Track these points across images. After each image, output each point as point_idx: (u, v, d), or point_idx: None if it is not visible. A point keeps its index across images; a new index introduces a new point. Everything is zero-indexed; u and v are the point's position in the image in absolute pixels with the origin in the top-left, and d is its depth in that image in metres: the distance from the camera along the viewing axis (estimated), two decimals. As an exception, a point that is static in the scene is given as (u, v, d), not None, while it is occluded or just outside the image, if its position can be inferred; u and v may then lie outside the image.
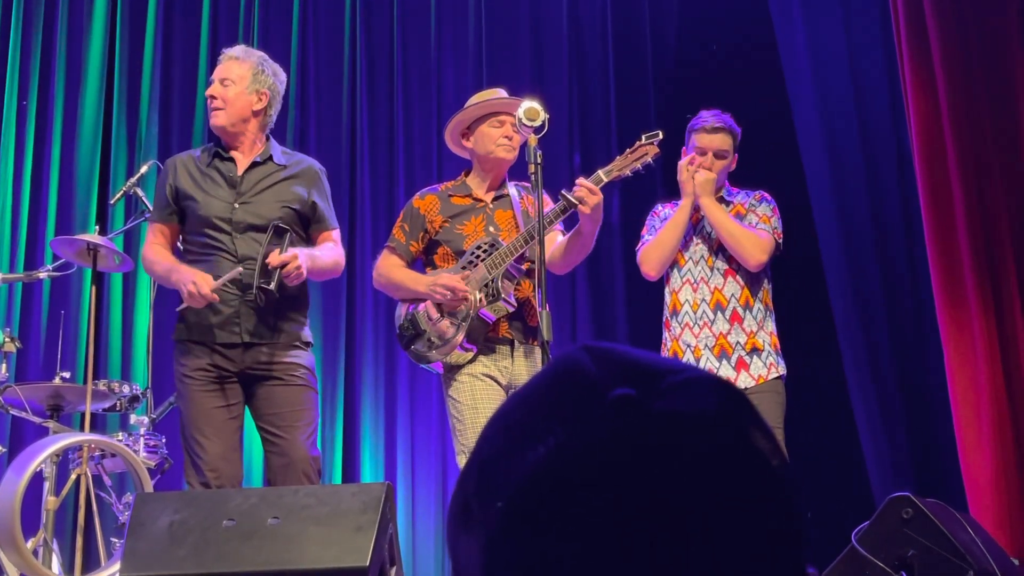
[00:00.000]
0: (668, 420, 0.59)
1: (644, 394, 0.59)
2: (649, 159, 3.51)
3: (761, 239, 3.75)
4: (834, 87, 5.39)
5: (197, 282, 3.33)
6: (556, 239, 3.65)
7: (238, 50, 3.66)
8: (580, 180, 3.45)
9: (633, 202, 5.44)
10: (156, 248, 3.58)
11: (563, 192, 3.47)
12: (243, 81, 3.57)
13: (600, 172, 3.50)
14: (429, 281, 3.60)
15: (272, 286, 3.35)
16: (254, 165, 3.59)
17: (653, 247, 3.84)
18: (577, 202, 3.40)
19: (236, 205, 3.51)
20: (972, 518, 3.66)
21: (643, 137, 3.53)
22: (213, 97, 3.57)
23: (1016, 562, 3.62)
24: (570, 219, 3.55)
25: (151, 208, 4.41)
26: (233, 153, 3.60)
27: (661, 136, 3.53)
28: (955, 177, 4.66)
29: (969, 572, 3.15)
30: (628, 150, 3.53)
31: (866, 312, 5.15)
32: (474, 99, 3.78)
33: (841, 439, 5.13)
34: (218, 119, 3.57)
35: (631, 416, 0.58)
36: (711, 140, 3.82)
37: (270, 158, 3.61)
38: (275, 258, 3.36)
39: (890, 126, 5.24)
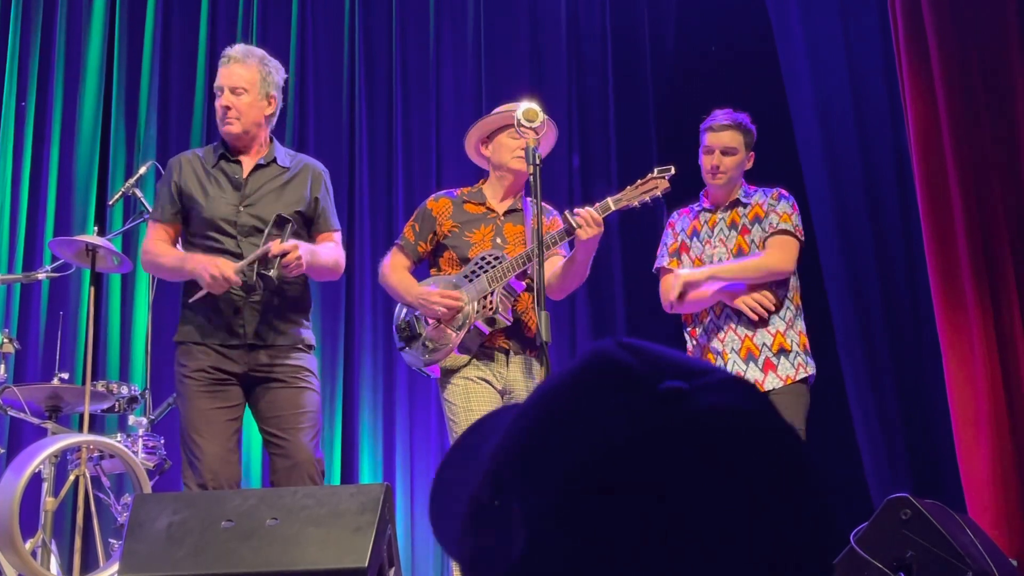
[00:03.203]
0: (718, 414, 0.60)
1: (693, 388, 0.61)
2: (658, 193, 3.49)
3: (785, 245, 3.72)
4: (833, 92, 5.39)
5: (219, 264, 3.30)
6: (557, 263, 3.64)
7: (239, 51, 3.60)
8: (587, 210, 3.43)
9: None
10: (159, 244, 3.55)
11: (566, 212, 3.47)
12: (254, 88, 3.54)
13: (609, 200, 3.49)
14: (419, 292, 3.62)
15: (272, 273, 3.34)
16: (258, 167, 3.57)
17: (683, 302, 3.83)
18: (575, 226, 3.40)
19: (241, 208, 3.50)
20: (970, 519, 3.66)
21: (655, 170, 3.52)
22: (227, 108, 3.53)
23: (1014, 563, 3.62)
24: (573, 242, 3.55)
25: (150, 209, 4.41)
26: (239, 153, 3.59)
27: (673, 171, 3.51)
28: (954, 181, 4.67)
29: (967, 573, 3.15)
30: (639, 181, 3.51)
31: (865, 314, 5.16)
32: (499, 109, 3.80)
33: (839, 440, 5.13)
34: (234, 128, 3.53)
35: (682, 409, 0.60)
36: (718, 138, 3.80)
37: (274, 160, 3.59)
38: (276, 247, 3.34)
39: (889, 130, 5.25)
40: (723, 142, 3.80)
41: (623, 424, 0.59)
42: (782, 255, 3.71)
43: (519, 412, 0.67)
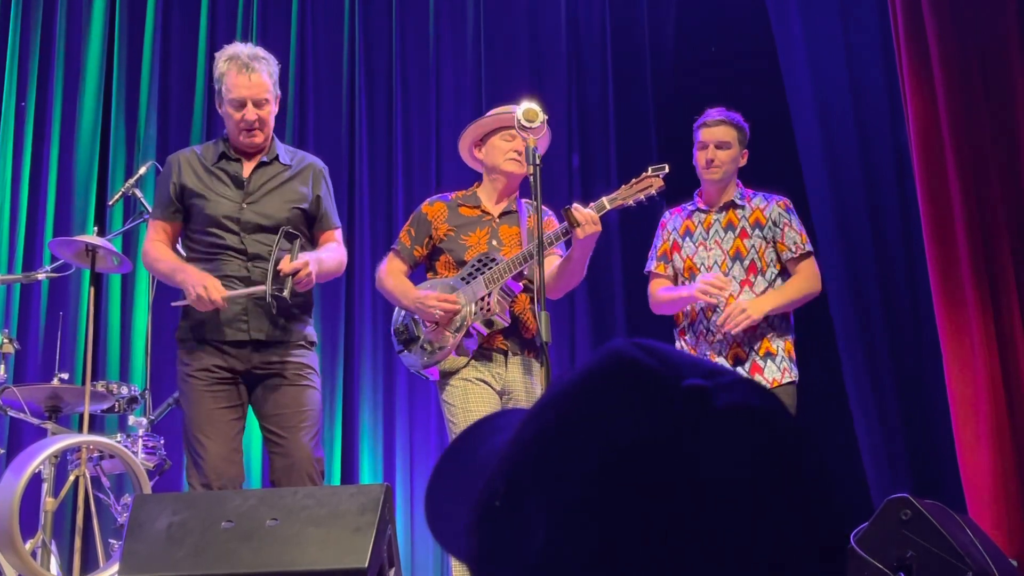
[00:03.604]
0: (739, 412, 0.61)
1: (714, 386, 0.61)
2: (653, 191, 3.51)
3: (814, 266, 3.84)
4: (833, 92, 5.39)
5: (208, 287, 3.31)
6: (554, 262, 3.65)
7: (249, 55, 3.51)
8: (586, 211, 3.44)
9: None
10: (158, 246, 3.55)
11: (565, 208, 3.47)
12: (271, 94, 3.52)
13: (604, 199, 3.51)
14: (415, 296, 3.63)
15: (285, 293, 3.35)
16: (261, 165, 3.56)
17: (663, 304, 3.89)
18: (576, 223, 3.40)
19: (244, 205, 3.49)
20: (970, 519, 3.66)
21: (649, 169, 3.55)
22: (253, 121, 3.48)
23: (1014, 563, 3.62)
24: (570, 241, 3.56)
25: (150, 209, 4.41)
26: (241, 154, 3.58)
27: (667, 170, 3.54)
28: (953, 180, 4.66)
29: (967, 573, 3.16)
30: (634, 180, 3.54)
31: (865, 314, 5.16)
32: (492, 112, 3.80)
33: (839, 440, 5.13)
34: (258, 139, 3.52)
35: (706, 407, 0.60)
36: (712, 132, 3.85)
37: (276, 158, 3.59)
38: (287, 265, 3.35)
39: (889, 130, 5.24)
40: (717, 136, 3.84)
41: (648, 422, 0.60)
42: (817, 277, 3.85)
43: (534, 412, 0.67)
